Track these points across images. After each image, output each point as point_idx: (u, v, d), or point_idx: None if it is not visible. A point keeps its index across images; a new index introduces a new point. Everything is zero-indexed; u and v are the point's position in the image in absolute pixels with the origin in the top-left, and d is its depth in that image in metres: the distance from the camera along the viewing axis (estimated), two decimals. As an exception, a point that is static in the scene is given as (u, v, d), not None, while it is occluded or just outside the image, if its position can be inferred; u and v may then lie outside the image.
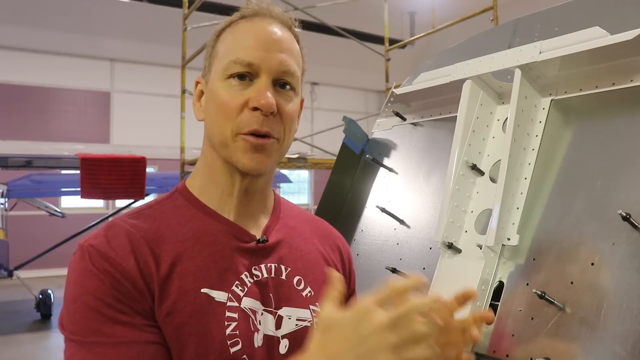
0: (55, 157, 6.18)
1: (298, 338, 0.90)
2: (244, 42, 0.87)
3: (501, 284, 1.10)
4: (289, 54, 0.89)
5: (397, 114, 1.60)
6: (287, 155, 4.81)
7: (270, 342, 0.87)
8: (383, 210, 1.49)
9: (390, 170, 1.58)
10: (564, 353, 0.93)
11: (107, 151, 6.38)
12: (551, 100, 1.19)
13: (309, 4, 5.71)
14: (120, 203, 8.80)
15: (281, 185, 9.77)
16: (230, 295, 0.85)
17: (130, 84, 11.04)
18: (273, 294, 0.90)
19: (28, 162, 5.84)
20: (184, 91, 5.28)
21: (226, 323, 0.83)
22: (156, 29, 9.97)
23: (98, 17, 9.66)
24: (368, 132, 1.72)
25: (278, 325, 0.88)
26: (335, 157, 1.70)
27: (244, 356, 0.83)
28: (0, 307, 7.47)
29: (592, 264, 0.97)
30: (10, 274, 6.93)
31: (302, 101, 0.99)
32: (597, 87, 1.11)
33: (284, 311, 0.90)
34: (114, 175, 5.40)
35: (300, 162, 4.96)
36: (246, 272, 0.88)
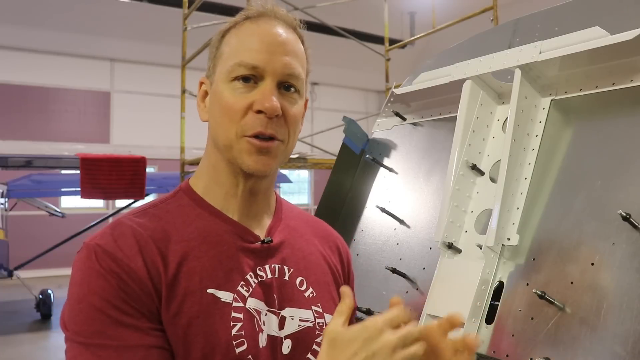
0: (55, 157, 6.18)
1: (300, 338, 0.90)
2: (248, 44, 0.87)
3: (501, 284, 1.10)
4: (294, 57, 0.89)
5: (397, 114, 1.60)
6: (287, 155, 4.80)
7: (274, 342, 0.87)
8: (383, 210, 1.49)
9: (390, 170, 1.58)
10: (564, 353, 0.93)
11: (107, 151, 6.38)
12: (551, 100, 1.19)
13: (309, 4, 5.71)
14: (120, 203, 8.80)
15: (281, 185, 9.77)
16: (235, 295, 0.85)
17: (130, 84, 11.04)
18: (277, 295, 0.90)
19: (28, 162, 5.84)
20: (184, 91, 5.28)
21: (232, 323, 0.83)
22: (156, 29, 9.97)
23: (98, 17, 9.66)
24: (368, 132, 1.72)
25: (281, 326, 0.89)
26: (335, 157, 1.70)
27: (249, 356, 0.83)
28: (0, 307, 7.47)
29: (592, 264, 0.97)
30: (10, 274, 6.93)
31: (306, 102, 0.99)
32: (597, 87, 1.11)
33: (287, 312, 0.90)
34: (114, 175, 5.40)
35: (300, 162, 4.95)
36: (251, 273, 0.88)
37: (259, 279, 0.89)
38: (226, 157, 0.89)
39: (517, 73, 1.16)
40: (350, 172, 1.68)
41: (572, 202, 1.06)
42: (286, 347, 0.88)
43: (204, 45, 4.93)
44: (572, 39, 1.10)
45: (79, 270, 0.80)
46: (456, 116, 1.27)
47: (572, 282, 0.98)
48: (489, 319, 1.08)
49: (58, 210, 8.33)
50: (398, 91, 1.56)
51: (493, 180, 1.22)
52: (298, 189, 13.29)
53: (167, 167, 9.76)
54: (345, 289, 0.78)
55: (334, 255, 1.06)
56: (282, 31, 0.89)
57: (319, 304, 0.95)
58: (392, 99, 1.62)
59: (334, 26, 5.96)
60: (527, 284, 1.05)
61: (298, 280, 0.94)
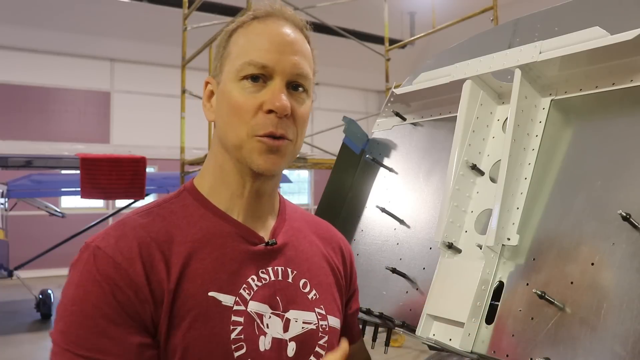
0: (55, 157, 6.18)
1: (304, 341, 0.90)
2: (257, 43, 0.87)
3: (501, 284, 1.10)
4: (302, 56, 0.89)
5: (397, 114, 1.60)
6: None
7: (279, 345, 0.87)
8: (383, 210, 1.49)
9: (390, 170, 1.58)
10: (564, 353, 0.93)
11: (107, 151, 6.38)
12: (551, 100, 1.19)
13: (309, 4, 5.70)
14: (120, 203, 8.80)
15: (281, 185, 9.77)
16: (237, 298, 0.85)
17: (130, 84, 11.04)
18: (280, 297, 0.90)
19: (28, 162, 5.84)
20: (184, 91, 5.28)
21: (231, 327, 0.83)
22: (156, 29, 9.97)
23: (98, 17, 9.66)
24: (368, 132, 1.72)
25: (286, 328, 0.89)
26: (335, 157, 1.70)
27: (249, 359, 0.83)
28: (0, 307, 7.47)
29: (592, 264, 0.97)
30: (10, 274, 6.92)
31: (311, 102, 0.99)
32: (597, 87, 1.11)
33: (291, 314, 0.90)
34: (114, 175, 5.40)
35: (300, 162, 4.96)
36: (254, 275, 0.88)
37: (263, 282, 0.89)
38: (235, 157, 0.88)
39: (517, 73, 1.16)
40: (350, 172, 1.68)
41: (572, 202, 1.06)
42: (291, 349, 0.88)
43: (204, 45, 4.93)
44: (572, 39, 1.10)
45: (77, 271, 0.80)
46: (456, 116, 1.27)
47: (572, 282, 0.98)
48: (489, 319, 1.08)
49: (58, 210, 8.33)
50: (398, 91, 1.56)
51: (493, 180, 1.22)
52: (298, 189, 13.29)
53: (167, 167, 9.76)
54: (343, 342, 0.85)
55: (337, 257, 1.06)
56: (290, 31, 0.89)
57: (322, 306, 0.96)
58: (392, 99, 1.62)
59: (334, 26, 5.96)
60: (527, 284, 1.05)
61: (302, 282, 0.94)
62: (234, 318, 0.83)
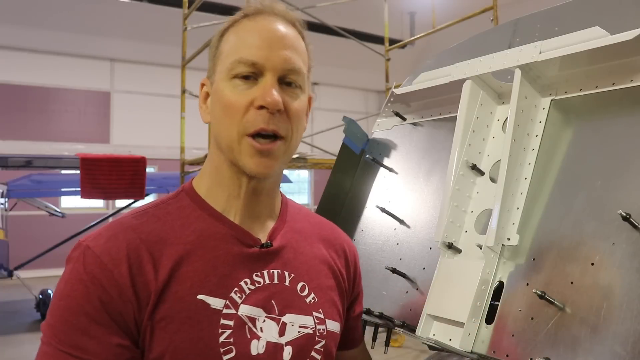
0: (55, 157, 6.18)
1: (300, 345, 0.89)
2: (247, 41, 0.86)
3: (501, 284, 1.10)
4: (294, 51, 0.87)
5: (397, 114, 1.60)
6: (287, 155, 4.80)
7: (275, 349, 0.86)
8: (383, 210, 1.49)
9: (390, 170, 1.58)
10: (564, 353, 0.93)
11: (107, 151, 6.38)
12: (551, 100, 1.19)
13: (309, 4, 5.71)
14: (120, 203, 8.80)
15: (281, 185, 9.76)
16: (227, 302, 0.84)
17: (130, 84, 11.04)
18: (276, 301, 0.89)
19: (28, 162, 5.84)
20: (184, 91, 5.28)
21: (220, 331, 0.82)
22: (156, 29, 9.97)
23: (98, 17, 9.66)
24: (368, 132, 1.72)
25: (282, 332, 0.88)
26: (335, 157, 1.70)
27: None
28: (0, 307, 7.46)
29: (592, 264, 0.97)
30: (10, 274, 6.93)
31: (310, 99, 0.97)
32: (597, 87, 1.11)
33: (287, 318, 0.89)
34: (114, 175, 5.40)
35: (300, 162, 4.96)
36: (247, 279, 0.87)
37: (257, 285, 0.87)
38: (228, 158, 0.87)
39: (517, 73, 1.16)
40: (350, 172, 1.68)
41: (572, 202, 1.06)
42: (287, 353, 0.87)
43: (204, 45, 4.94)
44: (572, 39, 1.10)
45: (68, 268, 0.82)
46: (456, 116, 1.27)
47: (572, 282, 0.98)
48: (489, 319, 1.08)
49: (58, 210, 8.33)
50: (398, 91, 1.56)
51: (493, 180, 1.22)
52: (298, 189, 13.29)
53: (167, 167, 9.76)
54: None
55: (340, 259, 1.04)
56: (280, 27, 0.88)
57: (320, 310, 0.94)
58: (392, 99, 1.62)
59: (334, 26, 5.97)
60: (527, 284, 1.05)
61: (299, 285, 0.93)
62: (223, 321, 0.83)
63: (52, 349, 0.77)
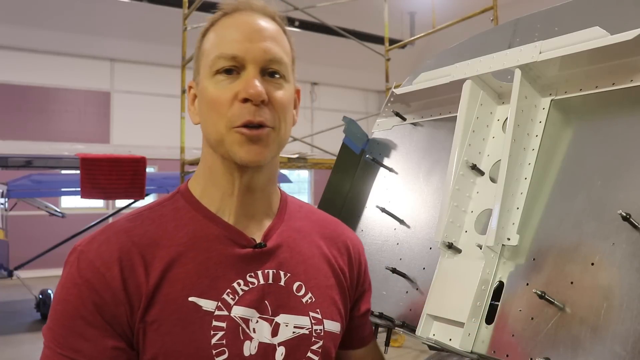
0: (55, 157, 6.18)
1: (295, 346, 0.88)
2: (226, 36, 0.86)
3: (501, 284, 1.10)
4: (273, 42, 0.87)
5: (397, 114, 1.60)
6: (287, 155, 4.81)
7: (266, 349, 0.86)
8: (383, 210, 1.49)
9: (390, 170, 1.58)
10: (564, 353, 0.93)
11: (107, 151, 6.38)
12: (551, 100, 1.19)
13: (309, 4, 5.71)
14: (120, 203, 8.80)
15: (281, 185, 9.77)
16: (219, 304, 0.84)
17: (130, 84, 11.04)
18: (270, 301, 0.88)
19: (28, 162, 5.84)
20: (184, 91, 5.28)
21: (212, 332, 0.82)
22: (156, 29, 9.96)
23: (98, 17, 9.66)
24: (368, 132, 1.72)
25: (274, 333, 0.87)
26: (335, 157, 1.70)
27: None
28: (0, 307, 7.46)
29: (592, 264, 0.97)
30: (10, 274, 6.93)
31: (298, 92, 0.96)
32: (597, 87, 1.11)
33: (281, 318, 0.88)
34: (114, 175, 5.40)
35: (300, 162, 4.95)
36: (240, 280, 0.86)
37: (250, 286, 0.87)
38: (219, 153, 0.87)
39: (517, 73, 1.16)
40: (350, 172, 1.68)
41: (572, 202, 1.06)
42: (279, 354, 0.87)
43: (204, 45, 4.93)
44: (572, 39, 1.10)
45: (64, 272, 0.84)
46: (456, 116, 1.27)
47: (572, 282, 0.98)
48: (489, 319, 1.08)
49: (58, 210, 8.33)
50: (398, 91, 1.56)
51: (493, 180, 1.22)
52: (298, 189, 13.29)
53: (167, 167, 9.76)
54: None
55: (342, 257, 1.03)
56: (259, 20, 0.88)
57: (317, 310, 0.93)
58: (392, 99, 1.62)
59: (334, 26, 5.97)
60: (527, 284, 1.05)
61: (295, 285, 0.92)
62: (215, 323, 0.83)
63: (52, 352, 0.79)
